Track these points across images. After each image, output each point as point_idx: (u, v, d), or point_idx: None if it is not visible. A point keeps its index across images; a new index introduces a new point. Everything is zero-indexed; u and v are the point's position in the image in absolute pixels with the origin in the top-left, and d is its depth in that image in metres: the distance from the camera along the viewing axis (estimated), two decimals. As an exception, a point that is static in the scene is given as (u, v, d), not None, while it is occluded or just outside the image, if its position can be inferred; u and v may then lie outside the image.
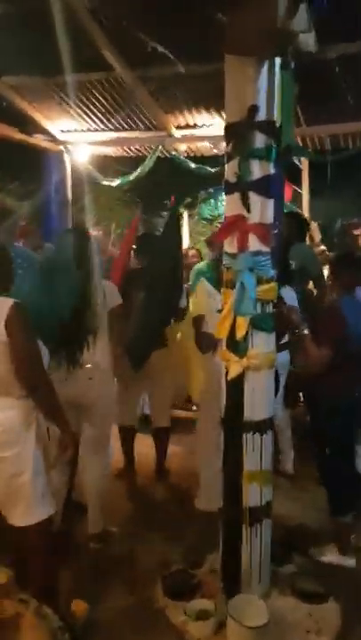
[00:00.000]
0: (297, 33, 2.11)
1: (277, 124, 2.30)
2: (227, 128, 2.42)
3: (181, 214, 8.10)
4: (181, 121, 6.50)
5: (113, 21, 4.50)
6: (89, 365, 3.04)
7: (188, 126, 6.60)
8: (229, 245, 2.46)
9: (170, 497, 3.98)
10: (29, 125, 6.88)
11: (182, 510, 3.71)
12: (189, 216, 10.24)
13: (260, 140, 2.33)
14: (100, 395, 3.20)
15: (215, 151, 6.86)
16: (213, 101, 5.82)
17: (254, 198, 2.36)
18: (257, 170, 2.35)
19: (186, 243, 8.83)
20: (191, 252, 6.44)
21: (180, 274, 4.17)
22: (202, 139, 6.64)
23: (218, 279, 3.08)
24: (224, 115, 5.97)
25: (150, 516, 3.67)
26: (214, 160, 7.05)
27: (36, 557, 2.40)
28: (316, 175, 7.19)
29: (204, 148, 6.98)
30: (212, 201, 13.04)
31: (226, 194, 2.47)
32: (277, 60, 2.28)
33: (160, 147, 6.68)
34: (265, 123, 2.31)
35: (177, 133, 6.65)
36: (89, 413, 3.20)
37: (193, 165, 6.78)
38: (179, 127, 6.60)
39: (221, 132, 5.98)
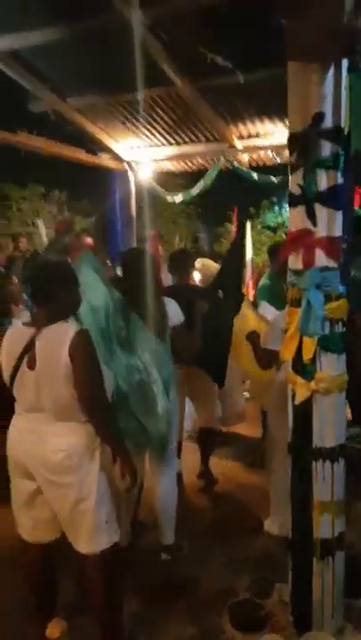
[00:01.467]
0: (365, 31, 1.97)
1: (346, 131, 2.14)
2: (290, 137, 2.28)
3: (245, 228, 8.00)
4: (243, 131, 6.41)
5: (171, 36, 4.46)
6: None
7: (249, 136, 6.50)
8: (294, 261, 2.32)
9: (229, 513, 3.83)
10: (95, 145, 7.01)
11: (244, 528, 3.56)
12: (251, 226, 10.08)
13: (326, 149, 2.18)
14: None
15: (278, 160, 6.70)
16: (275, 109, 5.70)
17: (321, 211, 2.21)
18: (323, 180, 2.20)
19: (249, 254, 8.71)
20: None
21: (240, 290, 4.18)
22: (264, 148, 6.52)
23: (279, 292, 2.93)
24: (287, 122, 5.87)
25: (213, 533, 3.56)
26: (277, 169, 6.91)
27: (99, 584, 2.34)
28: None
29: (267, 157, 6.84)
30: (276, 208, 12.87)
31: (290, 207, 2.33)
32: (344, 62, 2.13)
33: (222, 158, 6.60)
34: (332, 130, 2.16)
35: (239, 144, 6.56)
36: None
37: (256, 176, 6.64)
38: (240, 137, 6.51)
39: (284, 141, 5.85)
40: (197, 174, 7.58)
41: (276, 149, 6.43)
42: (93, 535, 2.28)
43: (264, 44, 4.14)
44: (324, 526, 2.37)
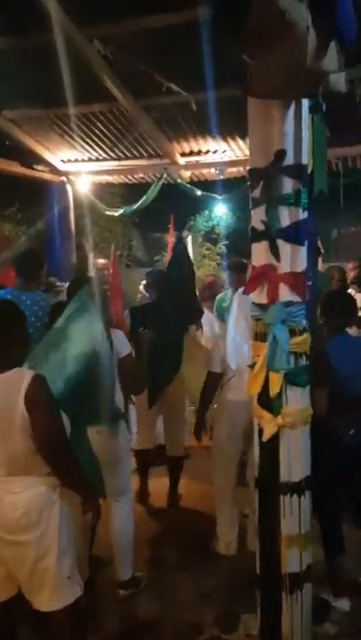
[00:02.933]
0: (327, 73, 1.98)
1: (308, 169, 2.15)
2: (252, 173, 2.28)
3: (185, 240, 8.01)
4: (186, 148, 6.42)
5: (117, 54, 4.40)
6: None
7: (191, 153, 6.52)
8: (258, 296, 2.31)
9: (190, 536, 3.77)
10: (30, 158, 6.81)
11: (205, 553, 3.53)
12: (193, 240, 10.12)
13: (288, 186, 2.18)
14: (119, 445, 3.05)
15: (221, 176, 6.77)
16: (218, 128, 5.74)
17: (284, 246, 2.22)
18: (286, 216, 2.20)
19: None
20: (208, 280, 5.93)
21: (196, 303, 4.18)
22: (207, 165, 6.56)
23: None
24: (230, 141, 5.92)
25: (171, 558, 3.52)
26: (218, 184, 6.99)
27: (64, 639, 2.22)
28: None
29: (209, 173, 6.90)
30: (206, 212, 13.00)
31: (252, 242, 2.32)
32: (305, 101, 2.15)
33: (165, 174, 6.58)
34: (293, 167, 2.17)
35: (181, 160, 6.57)
36: (110, 465, 3.04)
37: (199, 192, 6.67)
38: (183, 154, 6.52)
39: (226, 158, 5.92)
40: (137, 186, 7.54)
41: (218, 166, 6.48)
42: (55, 592, 2.15)
43: (209, 66, 4.18)
44: (293, 560, 2.37)
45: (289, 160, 2.17)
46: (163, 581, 3.25)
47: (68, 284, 6.05)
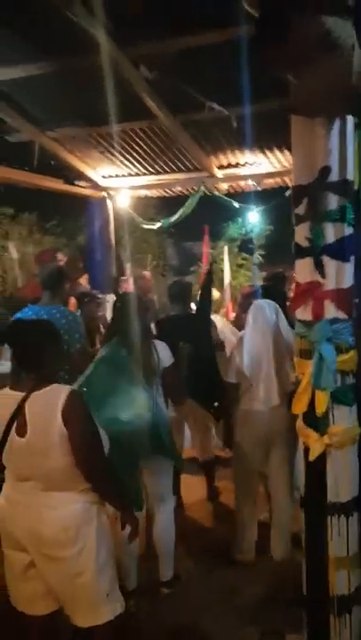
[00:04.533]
0: (372, 90, 1.97)
1: (355, 185, 2.13)
2: (295, 190, 2.27)
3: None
4: (223, 161, 6.45)
5: (157, 74, 4.46)
6: None
7: (229, 165, 6.54)
8: (303, 313, 2.29)
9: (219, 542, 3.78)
10: (73, 174, 6.95)
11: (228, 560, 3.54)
12: (228, 250, 10.12)
13: (333, 202, 2.17)
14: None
15: (258, 188, 6.76)
16: (254, 141, 5.75)
17: (329, 263, 2.20)
18: (331, 233, 2.19)
19: (227, 278, 8.73)
20: (246, 290, 5.94)
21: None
22: (244, 177, 6.56)
23: None
24: (268, 153, 5.90)
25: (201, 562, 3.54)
26: (253, 195, 7.00)
27: None
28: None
29: (246, 185, 6.90)
30: (239, 220, 12.93)
31: (297, 259, 2.31)
32: (349, 118, 2.13)
33: (202, 187, 6.62)
34: (339, 183, 2.15)
35: (218, 173, 6.60)
36: (152, 468, 3.09)
37: (237, 205, 6.68)
38: (220, 167, 6.55)
39: (262, 170, 5.91)
40: (174, 199, 7.61)
41: (255, 178, 6.48)
42: (93, 609, 2.16)
43: (246, 81, 4.20)
44: (341, 582, 2.32)
45: (334, 176, 2.16)
46: (195, 587, 3.27)
47: (108, 295, 6.26)
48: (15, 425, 2.08)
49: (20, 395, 2.11)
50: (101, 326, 5.28)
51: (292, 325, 3.33)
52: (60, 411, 2.04)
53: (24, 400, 2.09)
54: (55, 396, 2.08)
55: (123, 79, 4.53)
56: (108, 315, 5.24)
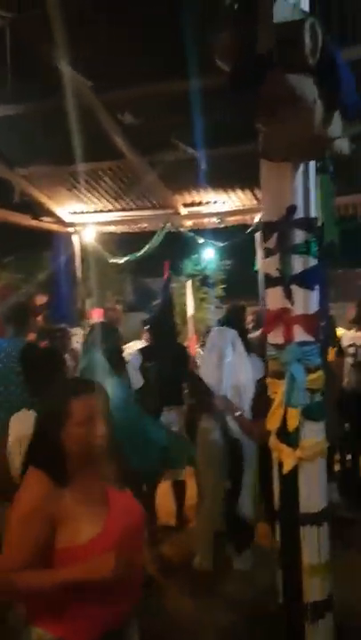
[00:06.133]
0: (333, 139, 2.24)
1: (318, 222, 2.39)
2: (265, 226, 2.51)
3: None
4: (187, 199, 6.75)
5: (128, 117, 4.73)
6: None
7: (193, 204, 6.85)
8: (274, 337, 2.50)
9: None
10: (39, 210, 7.11)
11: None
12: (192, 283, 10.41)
13: (299, 237, 2.41)
14: None
15: (221, 225, 7.08)
16: (218, 180, 6.08)
17: (297, 291, 2.43)
18: (298, 264, 2.42)
19: (190, 311, 8.97)
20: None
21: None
22: (209, 215, 6.87)
23: None
24: (230, 192, 6.21)
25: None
26: (217, 232, 7.32)
27: None
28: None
29: (209, 222, 7.20)
30: (196, 256, 13.35)
31: (267, 287, 2.53)
32: (312, 163, 2.40)
33: (168, 224, 6.89)
34: (304, 220, 2.40)
35: (183, 210, 6.89)
36: None
37: (201, 240, 6.97)
38: (185, 205, 6.84)
39: (226, 208, 6.23)
40: (133, 235, 7.90)
41: (219, 216, 6.80)
42: None
43: (213, 126, 4.51)
44: (315, 589, 2.47)
45: (300, 214, 2.41)
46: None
47: (75, 328, 6.38)
48: None
49: None
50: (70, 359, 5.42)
51: (249, 351, 3.71)
52: None
53: None
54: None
55: (94, 121, 4.78)
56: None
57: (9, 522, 1.61)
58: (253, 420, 3.37)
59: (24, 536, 1.57)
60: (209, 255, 8.08)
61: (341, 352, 5.00)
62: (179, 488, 4.41)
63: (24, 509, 1.58)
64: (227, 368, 3.54)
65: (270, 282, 2.50)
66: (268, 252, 2.51)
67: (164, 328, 4.82)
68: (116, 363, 3.29)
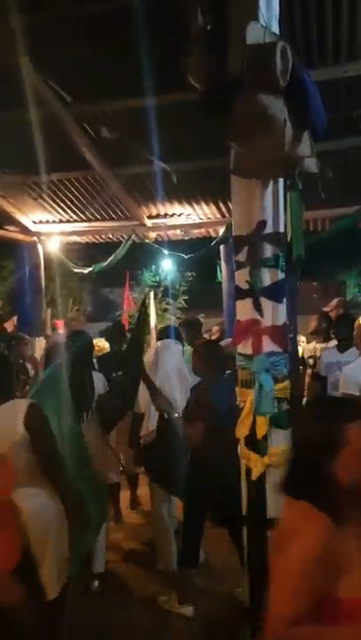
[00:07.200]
0: (302, 158, 2.35)
1: (287, 238, 2.48)
2: (236, 240, 2.60)
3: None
4: (153, 211, 6.82)
5: (97, 128, 4.78)
6: None
7: (158, 216, 6.92)
8: (244, 347, 2.58)
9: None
10: (2, 218, 7.05)
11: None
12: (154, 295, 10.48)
13: (268, 251, 2.51)
14: None
15: (185, 237, 7.18)
16: (183, 194, 6.19)
17: (266, 303, 2.51)
18: (267, 277, 2.51)
19: (153, 322, 9.02)
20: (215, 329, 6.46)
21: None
22: (173, 227, 6.96)
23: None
24: (195, 205, 6.32)
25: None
26: (181, 244, 7.41)
27: None
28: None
29: (173, 234, 7.29)
30: (153, 267, 13.44)
31: (237, 299, 2.61)
32: (280, 180, 2.51)
33: (133, 235, 6.94)
34: (272, 235, 2.50)
35: (148, 222, 6.96)
36: None
37: (166, 252, 7.04)
38: (150, 217, 6.92)
39: (190, 221, 6.37)
40: (96, 246, 7.93)
41: (183, 228, 6.90)
42: None
43: (180, 142, 4.60)
44: (281, 593, 2.54)
45: (269, 229, 2.51)
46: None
47: (37, 338, 6.36)
48: None
49: None
50: (30, 367, 5.41)
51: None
52: (23, 419, 2.35)
53: None
54: (17, 407, 2.39)
55: (63, 133, 4.80)
56: (38, 356, 5.48)
57: (282, 570, 1.42)
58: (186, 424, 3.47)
59: (305, 587, 1.35)
60: (168, 266, 8.18)
61: (303, 363, 5.14)
62: None
63: (308, 556, 1.35)
64: (164, 376, 3.93)
65: (240, 294, 2.59)
66: (239, 265, 2.59)
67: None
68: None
